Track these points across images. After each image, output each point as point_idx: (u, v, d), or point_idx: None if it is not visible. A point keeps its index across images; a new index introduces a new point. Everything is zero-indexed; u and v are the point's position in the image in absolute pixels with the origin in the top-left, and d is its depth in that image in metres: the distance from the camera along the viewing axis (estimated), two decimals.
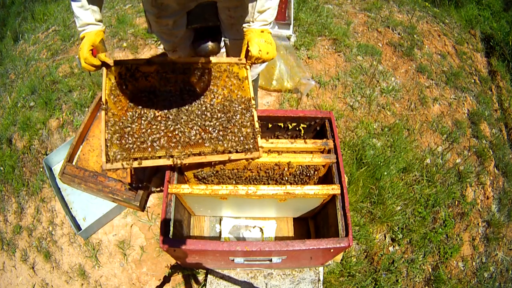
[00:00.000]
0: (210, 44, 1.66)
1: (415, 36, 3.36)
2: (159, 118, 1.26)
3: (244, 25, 1.38)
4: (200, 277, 1.90)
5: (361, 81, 2.85)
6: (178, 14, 1.46)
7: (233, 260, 1.44)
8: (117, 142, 1.18)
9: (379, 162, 2.26)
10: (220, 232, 1.91)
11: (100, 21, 1.28)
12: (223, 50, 1.80)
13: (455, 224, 2.23)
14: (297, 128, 1.68)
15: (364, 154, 2.32)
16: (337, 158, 1.48)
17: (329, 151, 1.52)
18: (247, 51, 1.35)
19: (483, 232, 2.28)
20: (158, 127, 1.24)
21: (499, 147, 2.67)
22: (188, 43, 1.68)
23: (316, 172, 1.54)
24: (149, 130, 1.23)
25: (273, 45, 1.35)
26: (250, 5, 1.33)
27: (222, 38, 1.69)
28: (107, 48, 1.51)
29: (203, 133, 1.29)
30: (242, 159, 1.36)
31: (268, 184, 1.58)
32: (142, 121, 1.24)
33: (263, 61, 1.38)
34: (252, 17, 1.34)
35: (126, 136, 1.19)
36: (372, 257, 2.06)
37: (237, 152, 1.33)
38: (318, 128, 1.68)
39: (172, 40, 1.61)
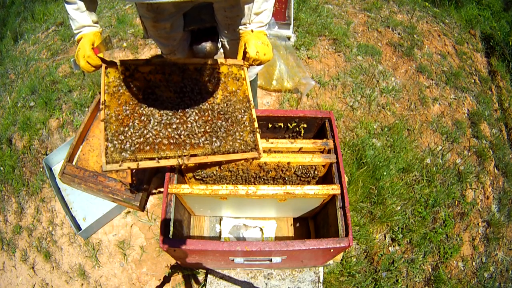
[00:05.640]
0: (207, 45, 1.66)
1: (415, 36, 3.36)
2: (158, 119, 1.26)
3: (240, 27, 1.38)
4: (200, 277, 1.90)
5: (361, 81, 2.85)
6: (175, 17, 1.46)
7: (233, 260, 1.44)
8: (117, 142, 1.18)
9: (379, 162, 2.26)
10: (220, 232, 1.91)
11: (97, 22, 1.28)
12: (221, 50, 1.80)
13: (455, 224, 2.23)
14: (297, 128, 1.68)
15: (364, 154, 2.32)
16: (337, 158, 1.48)
17: (329, 151, 1.52)
18: (245, 52, 1.36)
19: (483, 232, 2.28)
20: (158, 127, 1.24)
21: (499, 147, 2.67)
22: (186, 46, 1.68)
23: (316, 172, 1.54)
24: (149, 131, 1.23)
25: (270, 46, 1.36)
26: (246, 7, 1.34)
27: (219, 39, 1.69)
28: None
29: (203, 134, 1.29)
30: (242, 159, 1.36)
31: (268, 184, 1.58)
32: (142, 122, 1.24)
33: (260, 63, 1.38)
34: (249, 19, 1.35)
35: (126, 136, 1.19)
36: (372, 257, 2.06)
37: (237, 152, 1.33)
38: (318, 128, 1.68)
39: (170, 43, 1.60)
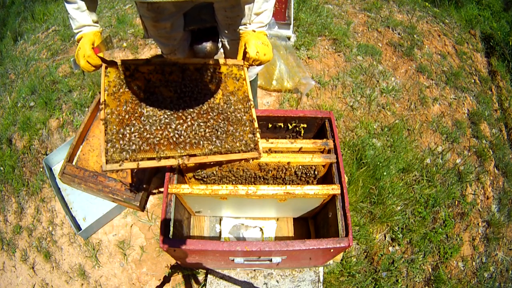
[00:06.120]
0: (208, 45, 1.66)
1: (415, 36, 3.36)
2: (158, 119, 1.26)
3: (240, 27, 1.38)
4: (200, 277, 1.90)
5: (361, 81, 2.85)
6: (175, 16, 1.46)
7: (233, 260, 1.44)
8: (117, 142, 1.18)
9: (379, 162, 2.26)
10: (220, 232, 1.91)
11: (97, 22, 1.28)
12: (221, 50, 1.80)
13: (455, 224, 2.23)
14: (297, 128, 1.68)
15: (364, 154, 2.32)
16: (337, 158, 1.48)
17: (329, 151, 1.52)
18: (245, 52, 1.36)
19: (483, 232, 2.27)
20: (158, 127, 1.24)
21: (499, 147, 2.67)
22: (186, 46, 1.68)
23: (316, 172, 1.54)
24: (149, 131, 1.23)
25: (270, 46, 1.36)
26: (246, 7, 1.34)
27: (220, 39, 1.69)
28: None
29: (203, 134, 1.29)
30: (242, 159, 1.36)
31: (268, 184, 1.58)
32: (142, 122, 1.24)
33: (260, 63, 1.38)
34: (249, 19, 1.35)
35: (126, 136, 1.19)
36: (372, 257, 2.06)
37: (237, 152, 1.33)
38: (318, 128, 1.68)
39: (170, 43, 1.60)
